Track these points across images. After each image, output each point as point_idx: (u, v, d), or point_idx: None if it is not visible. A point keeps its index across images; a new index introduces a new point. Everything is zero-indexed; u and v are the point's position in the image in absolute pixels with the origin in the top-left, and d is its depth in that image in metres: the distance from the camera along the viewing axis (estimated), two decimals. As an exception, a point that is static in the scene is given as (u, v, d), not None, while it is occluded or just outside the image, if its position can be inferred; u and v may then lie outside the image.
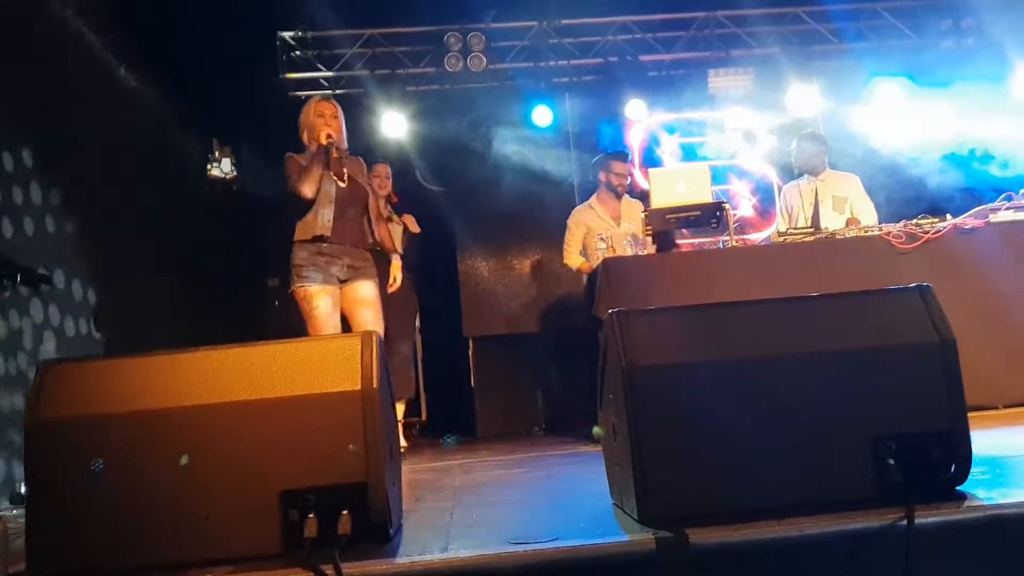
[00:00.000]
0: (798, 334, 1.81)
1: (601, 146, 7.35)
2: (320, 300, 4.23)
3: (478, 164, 7.08)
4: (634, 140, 7.51)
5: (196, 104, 6.47)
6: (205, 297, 6.30)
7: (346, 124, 4.53)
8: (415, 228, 5.99)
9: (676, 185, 5.10)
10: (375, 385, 1.92)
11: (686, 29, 7.63)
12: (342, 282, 4.35)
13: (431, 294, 6.57)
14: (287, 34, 7.15)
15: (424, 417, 7.12)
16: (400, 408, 5.54)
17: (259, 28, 6.88)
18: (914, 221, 4.76)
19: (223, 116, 6.90)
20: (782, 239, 4.84)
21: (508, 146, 7.24)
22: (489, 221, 7.23)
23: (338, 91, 7.19)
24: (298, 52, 7.22)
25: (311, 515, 1.84)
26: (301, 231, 4.30)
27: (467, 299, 7.12)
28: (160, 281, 5.67)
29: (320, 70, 7.27)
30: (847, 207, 5.39)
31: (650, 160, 7.45)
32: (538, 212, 7.07)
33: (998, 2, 7.35)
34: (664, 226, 5.17)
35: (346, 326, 4.39)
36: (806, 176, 5.66)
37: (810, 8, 7.54)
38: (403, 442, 4.08)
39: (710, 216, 5.07)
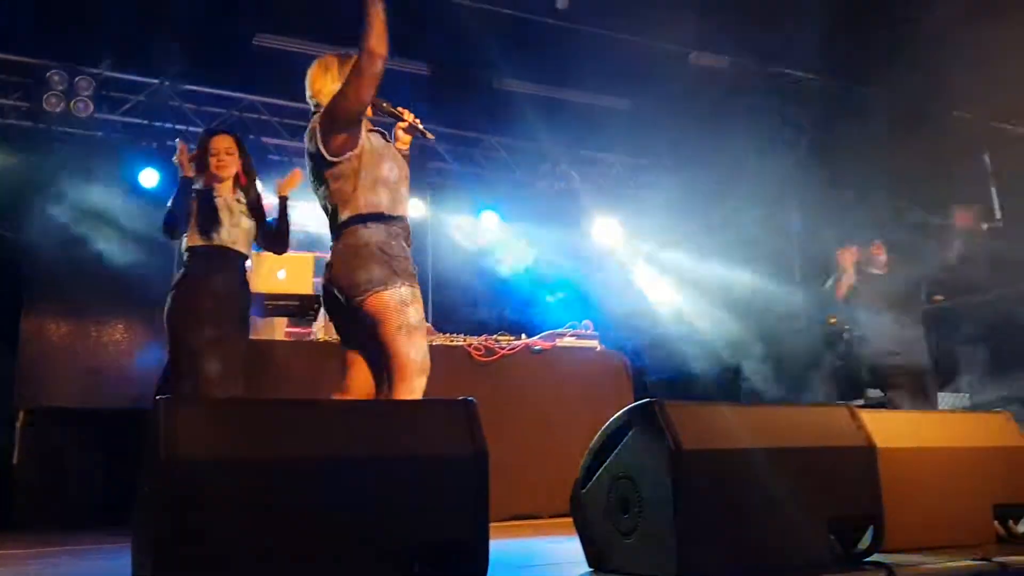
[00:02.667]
0: (342, 438, 1.83)
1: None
2: (416, 306, 3.01)
3: (63, 215, 6.42)
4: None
5: None
6: None
7: None
8: None
9: (278, 272, 5.05)
10: None
11: (308, 119, 7.73)
12: None
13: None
14: None
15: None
16: None
17: None
18: (494, 337, 5.17)
19: None
20: (374, 339, 4.97)
21: (104, 202, 6.68)
22: (69, 279, 6.55)
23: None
24: None
25: None
26: (368, 199, 3.04)
27: (26, 364, 6.29)
28: None
29: None
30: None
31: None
32: (133, 277, 6.54)
33: (586, 157, 8.48)
34: (261, 312, 5.07)
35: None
36: None
37: (431, 127, 8.03)
38: None
39: (308, 307, 5.07)
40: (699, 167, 8.13)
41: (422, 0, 6.26)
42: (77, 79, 6.70)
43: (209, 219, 3.89)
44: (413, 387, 2.97)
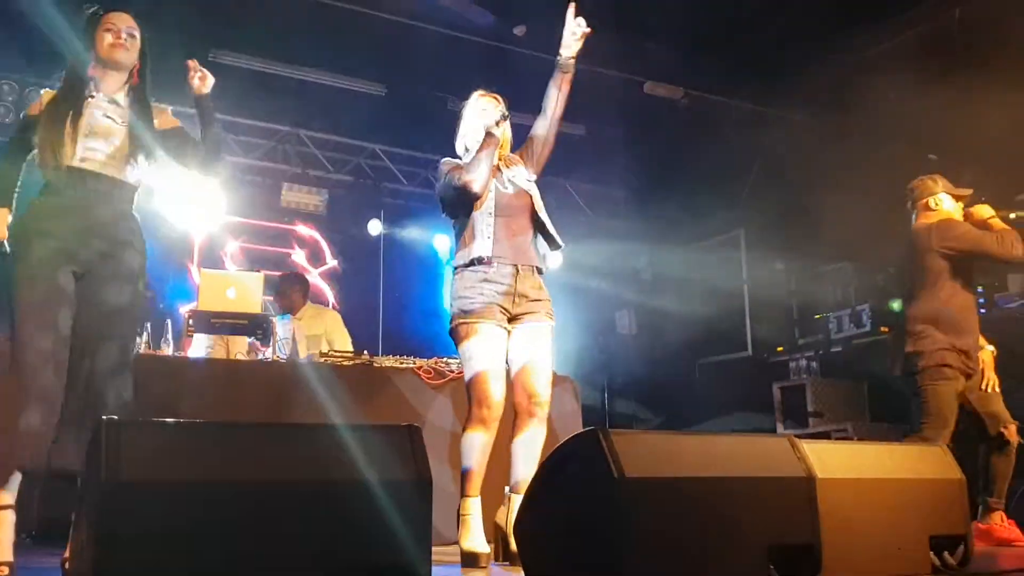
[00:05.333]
0: (287, 461, 1.82)
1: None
2: (483, 338, 3.24)
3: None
4: (196, 237, 7.29)
5: None
6: None
7: None
8: None
9: (227, 290, 5.00)
10: None
11: (268, 138, 7.70)
12: (512, 318, 3.35)
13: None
14: None
15: None
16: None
17: None
18: (444, 359, 5.15)
19: None
20: (324, 360, 4.92)
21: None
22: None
23: None
24: None
25: None
26: (460, 254, 3.46)
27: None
28: None
29: None
30: (322, 343, 5.70)
31: (211, 261, 7.26)
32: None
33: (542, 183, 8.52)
34: (208, 330, 5.01)
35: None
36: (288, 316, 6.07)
37: (388, 148, 8.07)
38: None
39: (257, 327, 5.02)
40: (652, 194, 8.25)
41: (380, 22, 6.29)
42: (27, 90, 6.61)
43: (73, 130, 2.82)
44: None
